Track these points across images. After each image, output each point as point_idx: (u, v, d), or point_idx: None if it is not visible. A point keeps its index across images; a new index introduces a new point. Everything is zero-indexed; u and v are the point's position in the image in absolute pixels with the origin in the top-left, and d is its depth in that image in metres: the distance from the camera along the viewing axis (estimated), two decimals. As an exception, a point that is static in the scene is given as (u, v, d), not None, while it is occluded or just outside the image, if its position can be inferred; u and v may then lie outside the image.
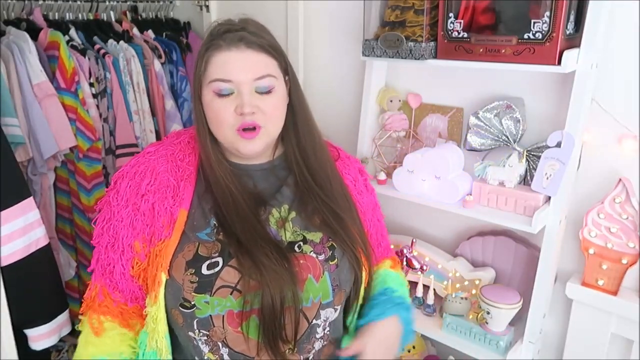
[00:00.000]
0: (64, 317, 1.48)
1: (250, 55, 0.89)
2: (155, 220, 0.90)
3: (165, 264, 0.88)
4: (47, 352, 1.51)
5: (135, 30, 1.95)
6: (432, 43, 1.28)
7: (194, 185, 0.94)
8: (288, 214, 0.95)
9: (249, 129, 0.89)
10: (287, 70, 0.95)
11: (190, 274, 0.86)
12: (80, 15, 1.88)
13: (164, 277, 0.88)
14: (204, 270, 0.87)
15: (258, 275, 0.85)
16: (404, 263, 1.45)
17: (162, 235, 0.90)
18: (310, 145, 0.99)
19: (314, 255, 0.92)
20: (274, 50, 0.92)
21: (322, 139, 1.03)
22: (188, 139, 0.99)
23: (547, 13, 1.10)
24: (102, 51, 1.76)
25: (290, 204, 0.96)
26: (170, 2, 2.14)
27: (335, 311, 0.95)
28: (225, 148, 0.96)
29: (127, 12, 2.03)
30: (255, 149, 0.92)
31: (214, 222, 0.91)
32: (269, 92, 0.90)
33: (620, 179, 1.22)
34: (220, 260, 0.87)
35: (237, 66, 0.88)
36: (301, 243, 0.93)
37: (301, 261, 0.90)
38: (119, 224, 0.91)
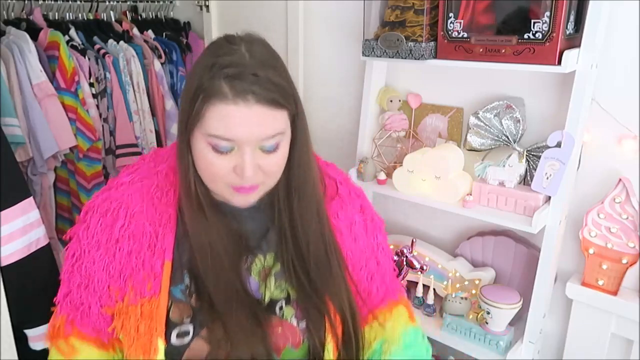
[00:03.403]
0: (64, 317, 1.48)
1: (260, 113, 0.74)
2: (135, 272, 0.81)
3: (160, 328, 0.79)
4: (47, 352, 1.51)
5: (135, 30, 1.95)
6: (432, 43, 1.28)
7: (175, 231, 0.83)
8: (273, 264, 0.87)
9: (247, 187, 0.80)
10: (296, 112, 0.83)
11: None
12: (80, 15, 1.88)
13: (161, 344, 0.79)
14: (174, 339, 0.80)
15: (228, 347, 0.78)
16: (404, 263, 1.45)
17: (145, 291, 0.80)
18: (299, 186, 0.86)
19: (295, 323, 0.85)
20: (286, 98, 0.78)
21: (315, 179, 0.89)
22: (166, 171, 0.87)
23: (547, 13, 1.10)
24: (102, 51, 1.76)
25: (276, 251, 0.87)
26: (170, 2, 2.14)
27: None
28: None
29: (127, 12, 2.03)
30: (250, 202, 0.83)
31: (188, 279, 0.82)
32: (275, 150, 0.79)
33: (620, 179, 1.22)
34: (190, 328, 0.80)
35: (242, 124, 0.74)
36: (283, 303, 0.85)
37: (279, 329, 0.83)
38: (91, 265, 0.82)
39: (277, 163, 0.80)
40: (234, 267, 0.83)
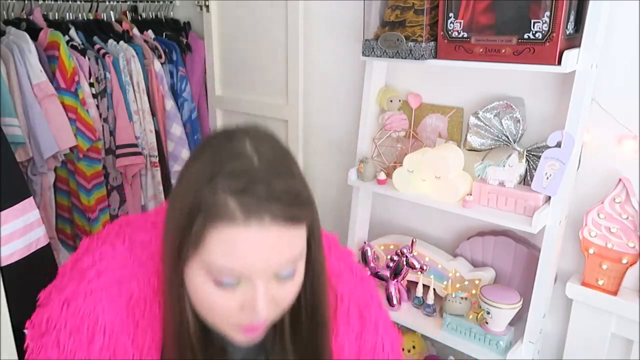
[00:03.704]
0: (64, 317, 1.48)
1: (277, 235, 0.59)
2: None
3: None
4: (47, 352, 1.51)
5: (135, 30, 1.95)
6: (432, 43, 1.28)
7: (161, 351, 0.70)
8: None
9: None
10: (312, 219, 0.66)
11: None
12: (80, 15, 1.88)
13: None
14: None
15: None
16: (404, 263, 1.45)
17: None
18: (311, 312, 0.73)
19: None
20: (305, 208, 0.63)
21: (327, 300, 0.74)
22: (149, 276, 0.70)
23: (547, 13, 1.10)
24: (102, 51, 1.76)
25: None
26: (170, 2, 2.14)
27: None
28: None
29: (127, 12, 2.03)
30: (255, 341, 0.69)
31: None
32: (291, 276, 0.65)
33: (620, 179, 1.22)
34: None
35: (256, 252, 0.59)
36: None
37: None
38: None
39: (292, 291, 0.66)
40: None
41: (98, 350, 0.66)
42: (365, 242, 1.56)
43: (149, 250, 0.72)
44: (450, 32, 1.23)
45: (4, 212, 1.33)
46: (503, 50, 1.17)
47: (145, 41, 1.91)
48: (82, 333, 0.66)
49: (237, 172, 0.59)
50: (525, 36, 1.14)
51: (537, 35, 1.12)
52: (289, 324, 0.73)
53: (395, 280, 1.49)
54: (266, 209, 0.58)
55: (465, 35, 1.21)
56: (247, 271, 0.60)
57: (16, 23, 1.68)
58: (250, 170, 0.60)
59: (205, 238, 0.59)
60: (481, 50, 1.20)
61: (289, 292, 0.65)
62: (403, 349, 1.59)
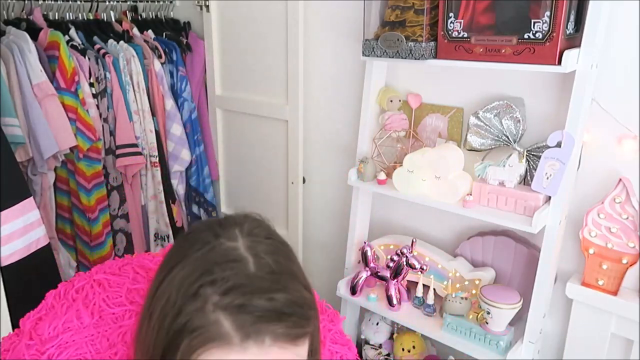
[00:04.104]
0: (64, 317, 1.48)
1: (279, 355, 0.52)
2: None
3: None
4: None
5: (135, 30, 1.95)
6: (432, 43, 1.28)
7: None
8: None
9: None
10: (314, 336, 0.58)
11: None
12: (80, 15, 1.88)
13: None
14: None
15: None
16: (404, 263, 1.45)
17: None
18: None
19: None
20: (309, 316, 0.55)
21: None
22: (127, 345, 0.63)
23: (547, 13, 1.10)
24: (102, 51, 1.76)
25: None
26: (170, 2, 2.14)
27: None
28: None
29: (127, 12, 2.03)
30: None
31: None
32: None
33: (620, 179, 1.21)
34: None
35: None
36: None
37: None
38: None
39: None
40: None
41: None
42: (365, 242, 1.56)
43: (121, 329, 0.64)
44: (450, 32, 1.24)
45: (4, 212, 1.33)
46: (503, 50, 1.17)
47: (146, 41, 1.91)
48: None
49: (231, 282, 0.50)
50: (526, 36, 1.14)
51: (537, 35, 1.12)
52: None
53: (396, 280, 1.49)
54: (267, 329, 0.50)
55: (466, 35, 1.21)
56: None
57: (16, 23, 1.68)
58: (246, 280, 0.51)
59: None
60: (481, 50, 1.20)
61: None
62: (403, 349, 1.59)
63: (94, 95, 1.73)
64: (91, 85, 1.72)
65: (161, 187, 1.95)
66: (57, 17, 1.83)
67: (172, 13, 2.16)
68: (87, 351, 0.62)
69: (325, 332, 0.76)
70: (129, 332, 0.63)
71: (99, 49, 1.77)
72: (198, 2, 1.98)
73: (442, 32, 1.25)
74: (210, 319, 0.49)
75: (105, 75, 1.75)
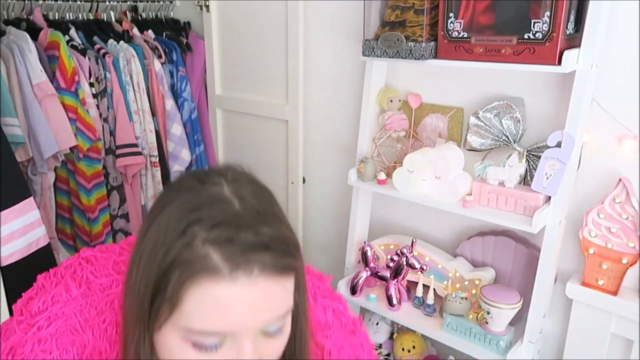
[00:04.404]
0: (64, 317, 1.48)
1: (267, 287, 0.54)
2: None
3: None
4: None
5: (135, 30, 1.95)
6: (432, 43, 1.28)
7: None
8: None
9: None
10: (299, 275, 0.61)
11: None
12: (80, 15, 1.88)
13: None
14: None
15: None
16: (404, 263, 1.45)
17: None
18: None
19: None
20: (294, 253, 0.58)
21: (307, 357, 0.69)
22: (106, 325, 0.64)
23: (547, 13, 1.10)
24: (102, 51, 1.76)
25: None
26: (170, 2, 2.14)
27: None
28: None
29: (127, 12, 2.03)
30: None
31: None
32: (279, 331, 0.59)
33: (620, 179, 1.22)
34: None
35: (243, 309, 0.53)
36: None
37: None
38: None
39: (280, 347, 0.60)
40: None
41: None
42: (365, 242, 1.56)
43: (108, 297, 0.66)
44: (450, 32, 1.24)
45: (4, 212, 1.33)
46: (503, 50, 1.17)
47: (146, 41, 1.91)
48: None
49: (217, 219, 0.53)
50: (526, 36, 1.14)
51: (537, 35, 1.12)
52: None
53: (396, 280, 1.49)
54: (255, 259, 0.52)
55: (466, 35, 1.21)
56: (234, 330, 0.53)
57: (16, 23, 1.68)
58: (232, 217, 0.53)
59: (184, 296, 0.52)
60: (481, 50, 1.20)
61: (276, 348, 0.59)
62: (403, 349, 1.59)
63: (94, 95, 1.73)
64: (91, 85, 1.72)
65: (161, 187, 1.95)
66: (57, 17, 1.83)
67: (172, 13, 2.16)
68: (76, 321, 0.63)
69: (315, 289, 0.78)
70: (117, 299, 0.65)
71: (99, 49, 1.77)
72: (198, 2, 1.98)
73: (442, 32, 1.25)
74: (199, 252, 0.51)
75: (105, 75, 1.75)
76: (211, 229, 0.52)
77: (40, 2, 1.77)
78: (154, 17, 2.10)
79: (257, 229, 0.53)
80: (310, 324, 0.69)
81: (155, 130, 1.91)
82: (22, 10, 1.76)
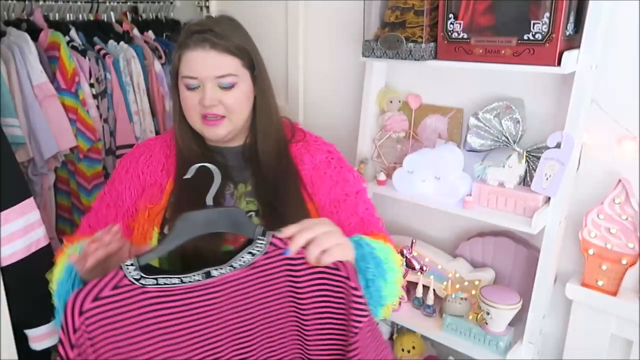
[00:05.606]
0: (64, 317, 1.48)
1: (214, 56, 0.98)
2: (148, 187, 1.05)
3: (157, 221, 1.02)
4: (47, 352, 1.51)
5: (135, 31, 1.95)
6: (432, 44, 1.28)
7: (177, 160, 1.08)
8: (246, 187, 1.07)
9: (212, 118, 1.01)
10: (253, 66, 1.04)
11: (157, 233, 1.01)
12: (80, 16, 1.88)
13: (155, 232, 1.01)
14: (165, 230, 1.01)
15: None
16: (404, 263, 1.45)
17: (153, 200, 1.04)
18: (262, 128, 1.08)
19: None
20: (238, 51, 1.01)
21: (277, 124, 1.11)
22: (170, 137, 1.12)
23: (547, 14, 1.10)
24: (103, 52, 1.76)
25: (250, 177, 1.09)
26: (171, 3, 2.14)
27: None
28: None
29: (128, 12, 2.03)
30: (218, 134, 1.03)
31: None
32: (231, 87, 1.00)
33: (619, 180, 1.22)
34: None
35: (201, 65, 0.98)
36: (254, 214, 1.03)
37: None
38: (120, 184, 1.07)
39: (235, 99, 1.01)
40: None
41: (142, 162, 1.08)
42: (365, 243, 1.56)
43: (168, 138, 1.13)
44: (450, 33, 1.24)
45: (4, 213, 1.33)
46: (503, 51, 1.17)
47: (146, 42, 1.91)
48: (135, 154, 1.10)
49: (197, 24, 1.01)
50: (525, 37, 1.14)
51: (536, 36, 1.12)
52: (251, 138, 1.09)
53: (395, 280, 1.49)
54: (207, 40, 0.98)
55: (465, 36, 1.22)
56: (198, 76, 0.98)
57: (17, 24, 1.68)
58: (205, 23, 1.01)
59: (180, 61, 1.01)
60: (481, 51, 1.20)
61: (232, 98, 1.00)
62: (403, 350, 1.59)
63: (94, 96, 1.73)
64: (91, 85, 1.72)
65: (161, 188, 1.95)
66: (57, 18, 1.83)
67: (172, 14, 2.16)
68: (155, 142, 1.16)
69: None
70: (172, 140, 1.13)
71: (99, 50, 1.77)
72: (198, 3, 1.98)
73: (442, 33, 1.25)
74: (185, 40, 1.00)
75: (105, 75, 1.75)
76: (192, 27, 1.00)
77: (41, 2, 1.77)
78: (154, 17, 2.10)
79: (213, 28, 0.99)
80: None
81: (156, 131, 1.91)
82: (23, 11, 1.76)
